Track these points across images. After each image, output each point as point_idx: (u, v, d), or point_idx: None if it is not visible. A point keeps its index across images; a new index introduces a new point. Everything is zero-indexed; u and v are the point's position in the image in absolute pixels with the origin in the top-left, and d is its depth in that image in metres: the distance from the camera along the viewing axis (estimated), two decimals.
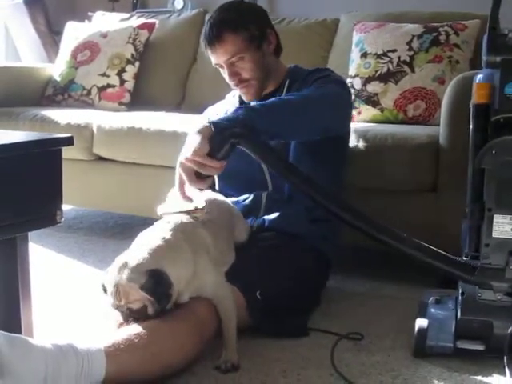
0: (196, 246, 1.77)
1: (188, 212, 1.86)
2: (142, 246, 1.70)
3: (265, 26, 2.26)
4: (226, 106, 2.39)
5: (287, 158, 2.13)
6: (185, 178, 1.76)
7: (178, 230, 1.78)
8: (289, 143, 2.18)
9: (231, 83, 2.25)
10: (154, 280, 1.62)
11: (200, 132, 1.76)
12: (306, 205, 2.16)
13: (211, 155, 1.73)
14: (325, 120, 2.07)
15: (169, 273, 1.65)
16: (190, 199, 1.83)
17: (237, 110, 1.87)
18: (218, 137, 1.74)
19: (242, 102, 2.33)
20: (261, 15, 2.29)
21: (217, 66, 2.25)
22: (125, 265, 1.65)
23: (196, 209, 1.87)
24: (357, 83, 2.96)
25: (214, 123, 1.77)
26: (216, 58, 2.21)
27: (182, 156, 1.77)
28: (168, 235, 1.74)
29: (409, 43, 2.96)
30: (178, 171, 1.78)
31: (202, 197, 1.91)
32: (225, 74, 2.23)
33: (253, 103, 2.28)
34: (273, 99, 2.02)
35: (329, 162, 2.23)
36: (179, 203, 1.85)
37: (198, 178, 1.76)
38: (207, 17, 3.60)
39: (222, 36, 2.15)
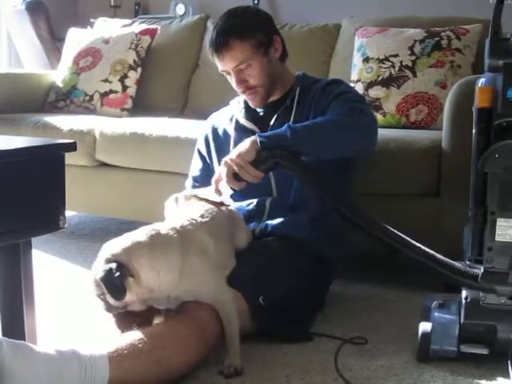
0: (190, 248, 1.77)
1: (213, 203, 2.04)
2: (129, 236, 1.72)
3: (271, 32, 2.26)
4: (230, 113, 2.39)
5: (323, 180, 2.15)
6: (223, 174, 1.94)
7: (177, 229, 1.79)
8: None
9: (238, 90, 2.25)
10: (110, 272, 1.62)
11: (251, 142, 1.95)
12: (309, 213, 2.16)
13: (253, 164, 1.93)
14: (364, 143, 2.15)
15: (138, 267, 1.65)
16: (220, 193, 2.02)
17: (285, 130, 1.97)
18: (264, 152, 1.94)
19: (247, 107, 2.33)
20: (267, 21, 2.29)
21: (223, 73, 2.24)
22: (104, 250, 1.69)
23: (221, 203, 2.05)
24: (359, 88, 2.95)
25: (262, 141, 1.95)
26: (223, 65, 2.21)
27: (228, 156, 1.96)
28: (163, 231, 1.77)
29: (411, 48, 2.96)
30: (220, 167, 2.00)
31: (204, 204, 2.01)
32: (231, 80, 2.23)
33: (259, 110, 2.30)
34: (316, 122, 2.08)
35: (341, 166, 2.23)
36: (210, 193, 2.05)
37: (235, 178, 1.94)
38: (209, 22, 3.66)
39: (229, 43, 2.15)
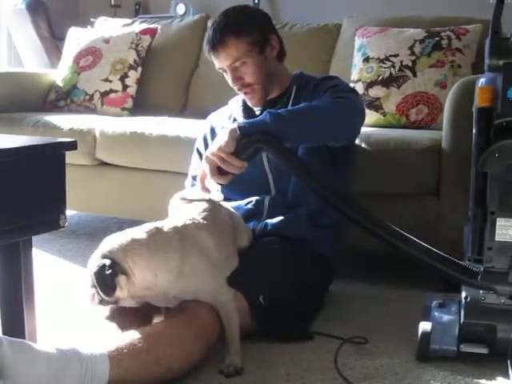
0: (190, 248, 1.76)
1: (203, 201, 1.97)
2: (129, 233, 1.73)
3: (267, 31, 2.27)
4: (229, 112, 2.39)
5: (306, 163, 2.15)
6: (207, 170, 1.90)
7: (178, 228, 1.79)
8: (297, 146, 2.19)
9: (234, 87, 2.25)
10: (102, 268, 1.63)
11: (229, 132, 1.89)
12: (309, 210, 2.16)
13: (235, 155, 1.86)
14: (344, 129, 2.14)
15: (133, 266, 1.65)
16: (207, 191, 1.97)
17: (265, 115, 1.94)
18: (244, 140, 1.88)
19: (245, 106, 2.33)
20: (264, 20, 2.30)
21: (220, 70, 2.26)
22: (103, 245, 1.70)
23: (210, 200, 1.98)
24: (359, 88, 2.96)
25: (241, 127, 1.90)
26: (219, 63, 2.22)
27: (208, 150, 1.92)
28: (164, 229, 1.76)
29: (411, 48, 2.97)
30: (203, 164, 1.93)
31: (203, 204, 1.97)
32: (228, 78, 2.24)
33: (256, 109, 2.29)
34: (300, 106, 2.08)
35: (335, 166, 2.23)
36: (197, 193, 2.00)
37: (219, 173, 1.89)
38: (210, 22, 3.66)
39: (224, 41, 2.16)
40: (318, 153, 2.15)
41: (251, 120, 2.01)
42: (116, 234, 1.73)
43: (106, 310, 1.80)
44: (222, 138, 1.90)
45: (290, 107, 2.11)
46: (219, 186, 2.00)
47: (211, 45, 2.19)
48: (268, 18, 2.33)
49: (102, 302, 1.70)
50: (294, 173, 1.96)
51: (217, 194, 2.04)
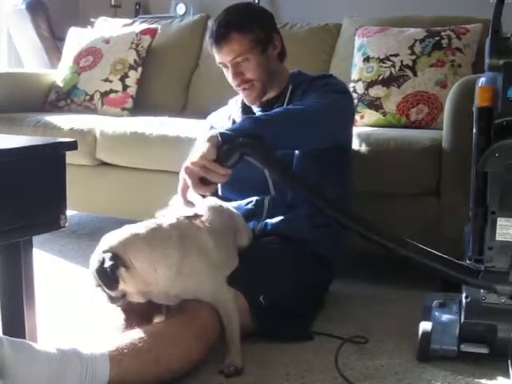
0: (189, 247, 1.76)
1: (187, 218, 1.84)
2: (129, 228, 1.73)
3: (271, 30, 2.27)
4: (228, 112, 2.39)
5: (291, 166, 2.14)
6: (189, 182, 1.76)
7: (178, 227, 1.78)
8: (292, 152, 2.18)
9: (234, 83, 2.24)
10: (102, 262, 1.64)
11: (208, 140, 1.77)
12: (308, 211, 2.16)
13: (218, 162, 1.74)
14: (329, 131, 2.10)
15: (134, 259, 1.66)
16: (191, 204, 1.82)
17: (244, 120, 1.91)
18: (226, 146, 1.76)
19: (244, 107, 2.33)
20: (268, 19, 2.31)
21: (220, 66, 2.25)
22: (102, 242, 1.70)
23: (196, 215, 1.86)
24: (359, 87, 2.96)
25: (222, 133, 1.80)
26: (221, 58, 2.21)
27: (187, 161, 1.78)
28: (164, 226, 1.76)
29: (411, 47, 2.97)
30: (182, 176, 1.78)
31: (202, 204, 1.94)
32: (228, 73, 2.23)
33: (256, 109, 2.29)
34: (278, 109, 2.05)
35: (332, 169, 2.22)
36: (179, 209, 1.85)
37: (202, 183, 1.76)
38: (210, 22, 3.65)
39: (229, 35, 2.16)
40: (314, 155, 2.14)
41: (232, 126, 1.96)
42: (115, 230, 1.73)
43: (119, 311, 1.80)
44: (203, 146, 1.77)
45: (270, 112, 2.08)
46: (201, 198, 1.83)
47: (214, 38, 2.19)
48: (271, 17, 2.33)
49: (111, 300, 1.70)
50: (277, 175, 1.91)
51: (201, 208, 1.90)
